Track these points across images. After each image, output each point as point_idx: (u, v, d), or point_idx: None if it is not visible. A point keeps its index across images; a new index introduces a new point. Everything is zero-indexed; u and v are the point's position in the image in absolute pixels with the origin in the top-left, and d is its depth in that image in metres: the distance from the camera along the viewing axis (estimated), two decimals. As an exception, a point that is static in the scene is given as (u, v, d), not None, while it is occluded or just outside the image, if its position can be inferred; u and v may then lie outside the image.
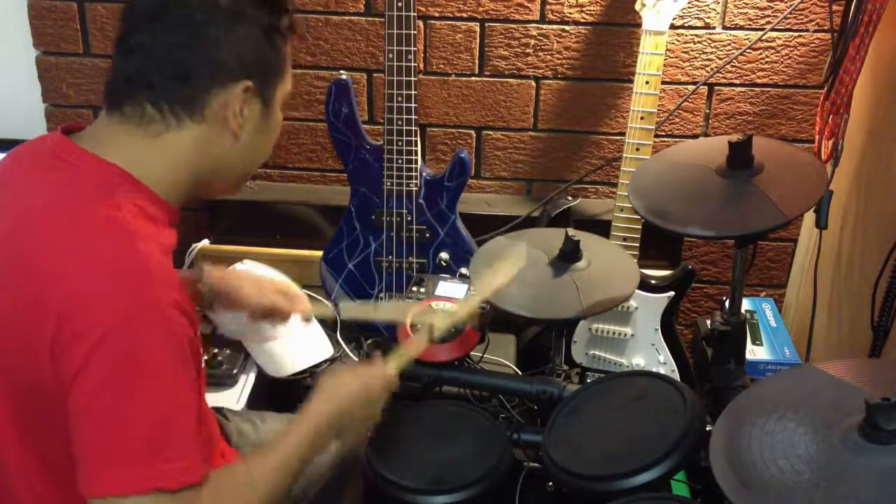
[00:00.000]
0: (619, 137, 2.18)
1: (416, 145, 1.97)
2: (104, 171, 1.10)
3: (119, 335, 0.99)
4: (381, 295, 2.10)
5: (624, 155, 1.95)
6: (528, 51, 2.14)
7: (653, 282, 2.02)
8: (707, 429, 1.28)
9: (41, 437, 1.08)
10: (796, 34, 2.07)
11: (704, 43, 2.10)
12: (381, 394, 1.32)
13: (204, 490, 1.03)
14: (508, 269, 1.50)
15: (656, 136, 2.05)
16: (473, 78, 2.18)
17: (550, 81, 2.17)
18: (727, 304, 1.56)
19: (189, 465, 1.02)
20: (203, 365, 1.22)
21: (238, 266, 2.04)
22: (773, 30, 2.05)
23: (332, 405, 1.24)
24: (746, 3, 2.04)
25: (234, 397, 1.87)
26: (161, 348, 1.02)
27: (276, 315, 1.59)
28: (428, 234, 2.05)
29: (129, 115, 1.11)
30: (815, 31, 2.06)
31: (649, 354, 2.05)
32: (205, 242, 2.27)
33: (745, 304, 2.12)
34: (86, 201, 1.07)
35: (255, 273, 1.61)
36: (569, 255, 1.54)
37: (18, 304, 1.04)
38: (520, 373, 2.00)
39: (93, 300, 1.00)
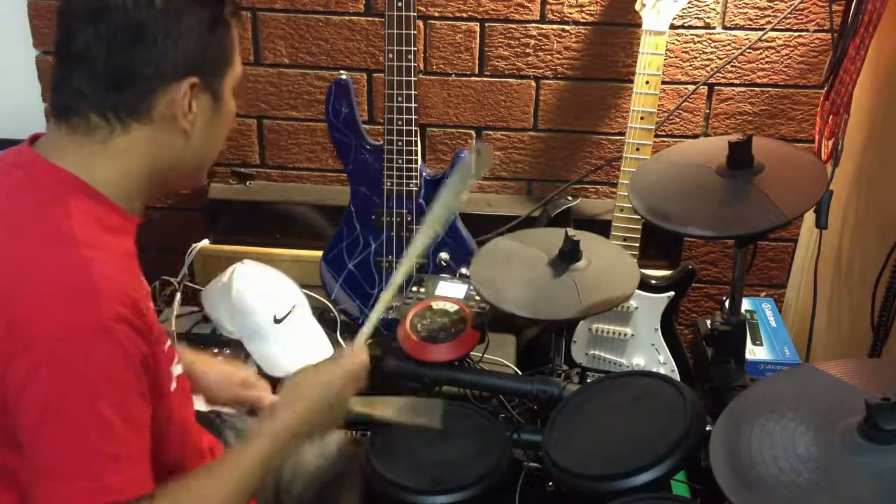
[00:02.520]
0: (619, 137, 2.18)
1: (416, 145, 1.97)
2: (55, 177, 1.08)
3: (62, 351, 0.98)
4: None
5: (624, 155, 1.95)
6: (528, 51, 2.14)
7: (653, 282, 2.02)
8: (707, 429, 1.28)
9: None
10: (796, 34, 2.07)
11: (704, 43, 2.10)
12: (347, 388, 1.29)
13: (157, 501, 1.03)
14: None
15: (656, 136, 2.05)
16: (473, 78, 2.18)
17: (550, 81, 2.17)
18: (727, 304, 1.55)
19: (138, 476, 1.02)
20: (178, 366, 1.20)
21: (238, 266, 2.04)
22: (773, 30, 2.05)
23: (294, 411, 1.22)
24: (746, 3, 2.04)
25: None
26: (105, 364, 1.01)
27: (241, 405, 1.54)
28: (428, 234, 2.05)
29: (75, 125, 1.09)
30: (815, 31, 2.06)
31: (649, 354, 2.05)
32: (205, 242, 2.27)
33: (745, 304, 2.12)
34: (35, 210, 1.06)
35: (222, 366, 1.56)
36: (569, 255, 1.54)
37: None
38: (520, 373, 2.00)
39: (37, 315, 0.99)
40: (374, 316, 1.40)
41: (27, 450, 1.01)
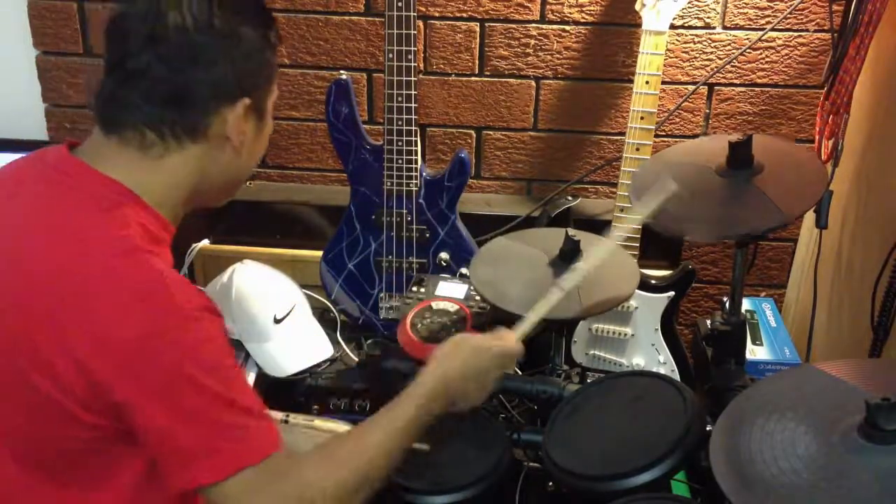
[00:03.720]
0: (619, 137, 2.18)
1: (416, 145, 1.97)
2: (108, 188, 1.10)
3: (159, 346, 1.01)
4: (382, 295, 2.11)
5: (624, 155, 1.95)
6: (528, 51, 2.14)
7: (653, 282, 2.02)
8: (707, 429, 1.28)
9: (40, 453, 1.10)
10: (796, 34, 2.07)
11: (704, 43, 2.10)
12: (494, 363, 1.34)
13: (287, 455, 1.07)
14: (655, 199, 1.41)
15: (656, 136, 2.05)
16: (473, 78, 2.18)
17: (550, 81, 2.17)
18: (727, 304, 1.55)
19: (263, 436, 1.06)
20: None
21: (238, 266, 2.04)
22: (773, 30, 2.05)
23: (442, 375, 1.27)
24: (746, 3, 2.04)
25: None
26: (203, 346, 1.04)
27: None
28: (428, 235, 2.05)
29: (128, 139, 1.11)
30: (815, 31, 2.06)
31: (649, 354, 2.05)
32: (205, 242, 2.27)
33: (745, 304, 2.12)
34: (94, 220, 1.07)
35: None
36: (569, 255, 1.54)
37: (20, 328, 1.04)
38: (520, 373, 2.00)
39: (120, 320, 1.01)
40: (538, 312, 1.42)
41: (154, 440, 1.04)
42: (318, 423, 1.49)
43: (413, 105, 1.93)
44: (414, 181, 2.00)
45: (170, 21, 1.08)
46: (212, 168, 1.16)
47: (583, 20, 2.10)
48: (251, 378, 1.93)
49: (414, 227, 2.04)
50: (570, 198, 2.18)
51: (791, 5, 2.02)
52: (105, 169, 1.10)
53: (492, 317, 1.64)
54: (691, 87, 2.13)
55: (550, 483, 1.45)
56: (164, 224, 1.14)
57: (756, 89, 2.14)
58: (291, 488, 1.07)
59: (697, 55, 2.11)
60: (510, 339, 1.38)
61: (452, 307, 1.70)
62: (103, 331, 1.01)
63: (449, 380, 1.28)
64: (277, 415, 1.52)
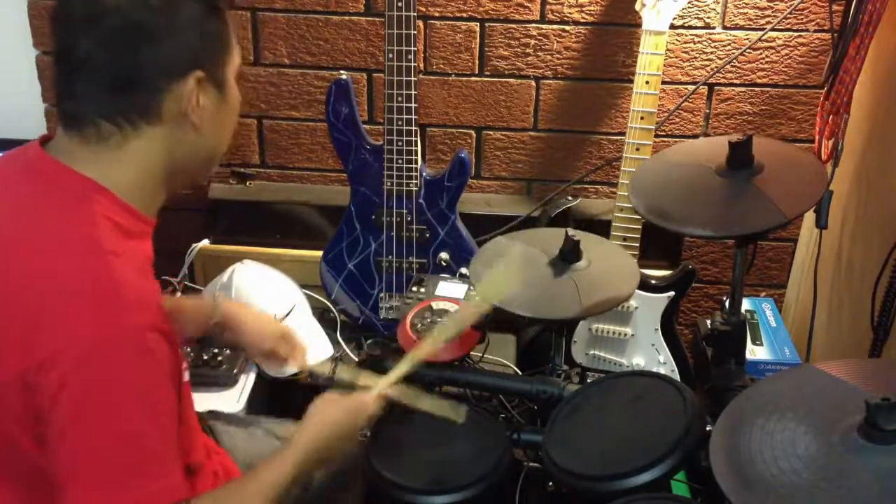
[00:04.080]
0: (619, 137, 2.18)
1: (416, 145, 1.97)
2: (78, 183, 1.07)
3: (93, 361, 0.98)
4: (382, 295, 2.11)
5: (624, 155, 1.95)
6: (528, 51, 2.14)
7: (653, 282, 2.02)
8: (707, 429, 1.28)
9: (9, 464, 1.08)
10: (796, 34, 2.07)
11: (704, 43, 2.10)
12: (363, 422, 1.34)
13: None
14: (507, 276, 1.49)
15: (656, 136, 2.05)
16: (473, 78, 2.18)
17: (550, 81, 2.17)
18: (727, 304, 1.55)
19: (169, 484, 1.02)
20: (186, 373, 1.20)
21: (238, 266, 2.04)
22: (773, 30, 2.05)
23: (319, 434, 1.26)
24: (746, 3, 2.05)
25: (234, 397, 1.87)
26: (136, 373, 1.01)
27: (274, 358, 1.58)
28: (428, 234, 2.05)
29: (86, 133, 1.08)
30: (815, 31, 2.06)
31: (649, 354, 2.05)
32: (205, 242, 2.27)
33: (745, 304, 2.12)
34: (59, 218, 1.05)
35: (262, 314, 1.59)
36: (569, 255, 1.54)
37: None
38: (520, 373, 2.00)
39: (65, 324, 0.99)
40: (392, 376, 1.42)
41: (56, 454, 1.00)
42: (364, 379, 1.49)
43: (413, 105, 1.93)
44: (414, 181, 2.00)
45: (106, 2, 1.03)
46: (178, 148, 1.12)
47: (583, 20, 2.10)
48: (251, 378, 1.93)
49: (414, 227, 2.04)
50: (570, 198, 2.19)
51: (791, 5, 2.03)
52: (73, 164, 1.08)
53: (492, 317, 1.64)
54: (691, 87, 2.13)
55: (550, 483, 1.45)
56: (138, 216, 1.11)
57: (756, 89, 2.14)
58: None
59: (697, 55, 2.11)
60: (369, 397, 1.36)
61: (452, 307, 1.70)
62: (45, 327, 0.99)
63: (323, 440, 1.26)
64: (324, 369, 1.52)
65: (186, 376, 1.20)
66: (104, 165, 1.09)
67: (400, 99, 1.92)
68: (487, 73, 2.17)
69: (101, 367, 0.99)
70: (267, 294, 2.00)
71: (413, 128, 1.95)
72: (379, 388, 1.39)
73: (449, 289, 1.83)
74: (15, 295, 1.01)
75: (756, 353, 1.98)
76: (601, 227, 2.02)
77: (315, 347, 2.02)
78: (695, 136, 2.19)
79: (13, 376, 0.99)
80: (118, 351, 1.00)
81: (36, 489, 1.06)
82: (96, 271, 1.02)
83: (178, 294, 2.18)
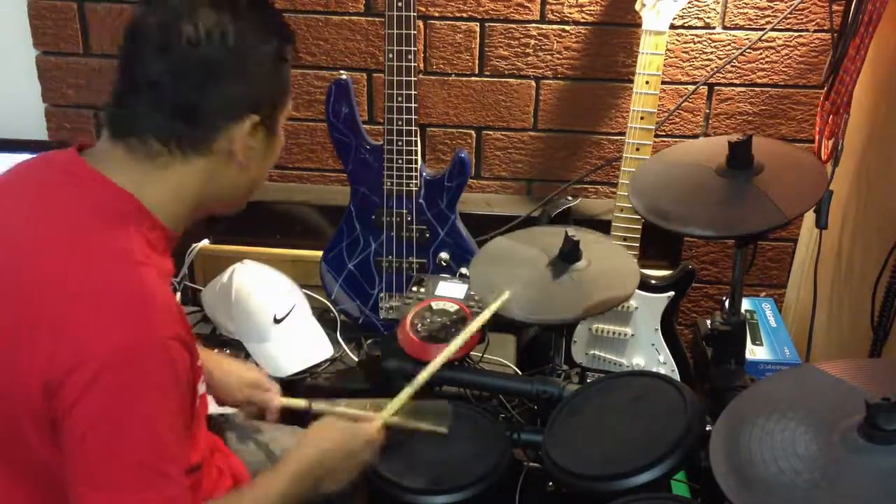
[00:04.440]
0: (619, 137, 2.18)
1: (416, 145, 1.97)
2: (117, 196, 1.09)
3: (119, 367, 0.99)
4: (382, 295, 2.11)
5: (624, 155, 1.95)
6: (528, 51, 2.14)
7: (653, 282, 2.02)
8: (707, 429, 1.28)
9: (19, 462, 1.08)
10: (796, 34, 2.07)
11: (704, 43, 2.10)
12: (363, 450, 1.34)
13: None
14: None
15: (656, 136, 2.05)
16: (473, 78, 2.18)
17: (550, 81, 2.17)
18: (727, 304, 1.56)
19: (178, 494, 1.03)
20: (202, 385, 1.20)
21: (238, 266, 2.04)
22: (773, 30, 2.05)
23: (315, 453, 1.27)
24: (746, 3, 2.04)
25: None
26: (157, 382, 1.02)
27: (248, 408, 1.55)
28: (428, 234, 2.05)
29: (134, 146, 1.09)
30: (815, 31, 2.06)
31: (649, 354, 2.05)
32: (205, 242, 2.27)
33: (745, 304, 2.12)
34: (93, 227, 1.06)
35: (234, 366, 1.57)
36: (569, 255, 1.54)
37: (7, 322, 1.03)
38: (520, 373, 2.00)
39: (92, 330, 1.00)
40: (396, 403, 1.43)
41: (73, 457, 1.01)
42: (342, 408, 1.48)
43: (413, 105, 1.93)
44: (414, 181, 2.00)
45: (183, 33, 1.05)
46: (218, 181, 1.14)
47: (583, 20, 2.10)
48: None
49: (414, 227, 2.04)
50: (570, 198, 2.19)
51: (791, 5, 2.02)
52: (113, 176, 1.09)
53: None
54: (691, 87, 2.13)
55: (550, 483, 1.45)
56: (166, 232, 1.13)
57: (756, 89, 2.14)
58: None
59: (697, 55, 2.11)
60: (374, 427, 1.37)
61: (452, 307, 1.70)
62: (75, 333, 0.99)
63: (323, 459, 1.27)
64: (300, 402, 1.51)
65: (202, 388, 1.20)
66: (143, 180, 1.10)
67: (400, 99, 1.92)
68: (487, 73, 2.17)
69: (126, 373, 1.00)
70: (267, 294, 2.00)
71: (413, 128, 1.95)
72: (382, 417, 1.40)
73: (449, 289, 1.83)
74: (44, 297, 1.02)
75: (756, 353, 1.98)
76: (601, 227, 2.02)
77: (315, 347, 2.02)
78: (695, 136, 2.19)
79: (36, 377, 1.00)
80: (144, 359, 1.01)
81: (49, 489, 1.06)
82: (127, 280, 1.03)
83: (178, 294, 2.19)
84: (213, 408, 1.49)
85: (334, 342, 2.06)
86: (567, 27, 2.11)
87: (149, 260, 1.06)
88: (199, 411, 1.19)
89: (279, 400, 1.53)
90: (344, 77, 1.99)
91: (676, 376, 2.00)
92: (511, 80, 2.18)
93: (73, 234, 1.06)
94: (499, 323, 1.56)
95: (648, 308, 2.02)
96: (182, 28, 1.05)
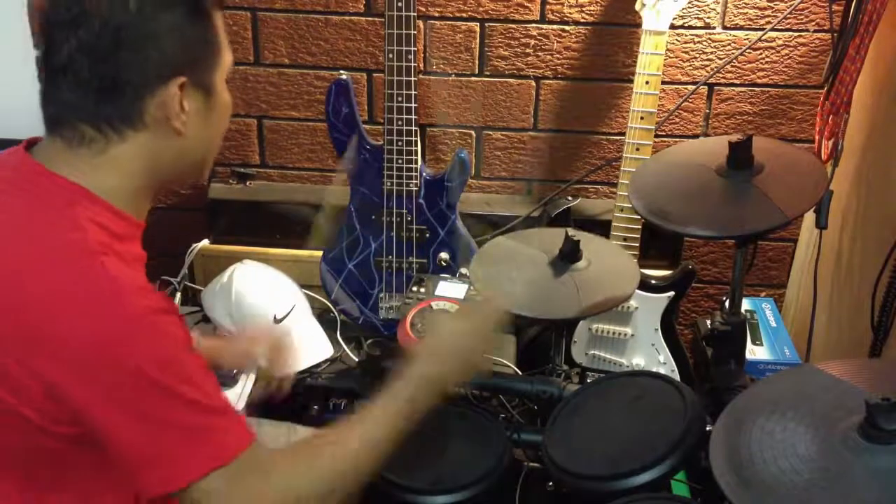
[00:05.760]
0: (619, 137, 2.18)
1: (416, 145, 1.97)
2: (61, 188, 1.07)
3: (110, 356, 0.99)
4: (382, 295, 2.11)
5: (624, 155, 1.95)
6: (528, 51, 2.14)
7: (653, 282, 2.02)
8: (707, 429, 1.28)
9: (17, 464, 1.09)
10: (796, 34, 2.07)
11: (704, 43, 2.10)
12: (485, 333, 1.32)
13: (259, 451, 1.05)
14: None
15: (656, 136, 2.05)
16: (473, 78, 2.18)
17: (550, 81, 2.17)
18: (727, 304, 1.55)
19: (232, 435, 1.04)
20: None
21: (238, 266, 2.04)
22: (773, 30, 2.05)
23: (434, 357, 1.25)
24: (746, 3, 2.04)
25: (234, 397, 1.86)
26: (156, 351, 1.01)
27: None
28: (428, 234, 2.05)
29: (69, 138, 1.07)
30: (815, 31, 2.06)
31: (649, 354, 2.05)
32: (205, 242, 2.27)
33: (745, 304, 2.12)
34: (46, 225, 1.05)
35: (237, 342, 1.56)
36: (569, 255, 1.54)
37: None
38: (520, 373, 2.00)
39: (66, 332, 0.99)
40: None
41: (120, 448, 1.02)
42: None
43: (413, 105, 1.93)
44: (414, 181, 2.00)
45: (86, 8, 1.02)
46: (164, 153, 1.11)
47: (583, 20, 2.10)
48: (251, 378, 1.93)
49: (414, 227, 2.04)
50: (570, 198, 2.19)
51: (791, 5, 2.02)
52: (58, 169, 1.07)
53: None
54: (691, 87, 2.13)
55: (550, 483, 1.45)
56: (126, 219, 1.10)
57: (756, 89, 2.14)
58: (267, 486, 1.05)
59: (697, 55, 2.11)
60: (493, 304, 1.35)
61: (452, 307, 1.70)
62: (58, 340, 0.99)
63: (441, 370, 1.25)
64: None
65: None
66: (88, 169, 1.08)
67: (400, 99, 1.92)
68: (487, 73, 2.17)
69: (121, 359, 0.99)
70: (267, 294, 2.00)
71: (413, 128, 1.95)
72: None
73: (449, 289, 1.83)
74: (11, 309, 1.01)
75: (756, 353, 1.98)
76: (601, 227, 2.03)
77: (315, 347, 2.02)
78: (695, 136, 2.19)
79: (36, 385, 1.00)
80: (131, 338, 1.00)
81: (34, 478, 1.07)
82: (86, 273, 1.01)
83: (178, 294, 2.19)
84: None
85: (334, 342, 2.06)
86: (567, 27, 2.11)
87: (108, 249, 1.04)
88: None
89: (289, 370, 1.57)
90: (344, 77, 1.99)
91: (676, 376, 2.00)
92: (511, 80, 2.18)
93: (26, 237, 1.04)
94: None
95: (648, 308, 2.02)
96: (85, 4, 1.03)
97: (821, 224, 1.50)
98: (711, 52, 2.10)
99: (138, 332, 1.01)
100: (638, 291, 1.94)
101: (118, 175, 1.09)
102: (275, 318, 1.97)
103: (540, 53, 2.14)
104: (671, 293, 2.01)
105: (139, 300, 1.02)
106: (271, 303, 1.99)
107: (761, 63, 2.11)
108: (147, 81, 1.06)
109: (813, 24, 2.05)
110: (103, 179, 1.08)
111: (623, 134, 2.00)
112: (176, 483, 1.01)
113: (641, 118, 1.91)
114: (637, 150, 1.93)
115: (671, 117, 2.16)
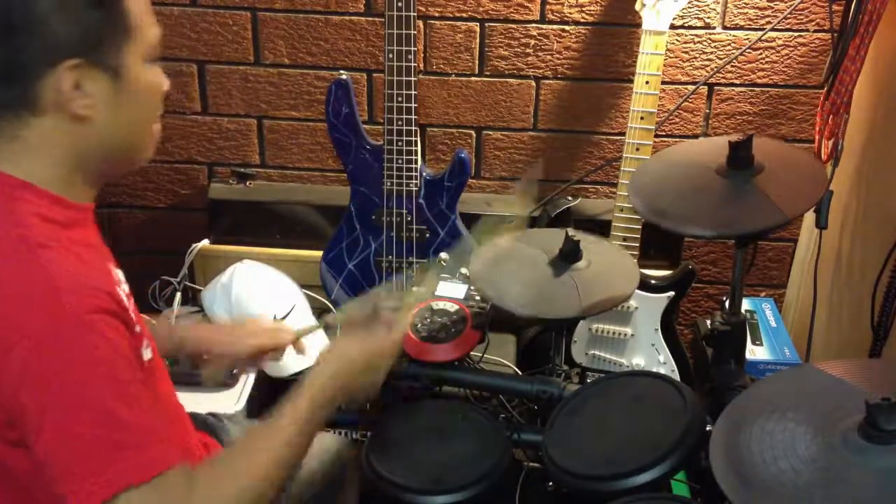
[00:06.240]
0: (619, 137, 2.18)
1: (416, 145, 1.97)
2: (2, 183, 1.05)
3: (44, 355, 0.97)
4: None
5: (624, 155, 1.95)
6: (528, 51, 2.14)
7: (653, 282, 2.02)
8: (707, 429, 1.28)
9: None
10: (796, 34, 2.07)
11: (704, 43, 2.10)
12: (383, 360, 1.30)
13: (182, 473, 1.01)
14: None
15: (656, 136, 2.05)
16: (473, 78, 2.18)
17: (550, 81, 2.17)
18: (727, 304, 1.55)
19: (154, 454, 1.00)
20: (148, 350, 1.16)
21: (238, 266, 2.04)
22: (773, 30, 2.05)
23: (331, 375, 1.23)
24: (746, 3, 2.05)
25: (234, 397, 1.87)
26: (89, 355, 0.99)
27: (264, 355, 1.54)
28: (428, 234, 2.05)
29: None
30: (815, 31, 2.06)
31: (649, 354, 2.05)
32: (205, 242, 2.27)
33: (745, 304, 2.12)
34: None
35: (231, 325, 1.53)
36: (569, 255, 1.54)
37: None
38: (520, 373, 2.00)
39: (5, 326, 0.97)
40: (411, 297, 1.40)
41: (39, 452, 0.99)
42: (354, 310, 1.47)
43: (413, 105, 1.93)
44: (414, 181, 2.00)
45: None
46: (83, 139, 1.07)
47: (583, 20, 2.10)
48: (251, 378, 1.93)
49: (414, 226, 2.04)
50: (570, 198, 2.19)
51: (791, 5, 2.03)
52: None
53: (492, 316, 1.64)
54: (691, 87, 2.13)
55: (550, 483, 1.45)
56: (68, 205, 1.08)
57: (756, 89, 2.14)
58: None
59: (697, 55, 2.11)
60: (391, 335, 1.33)
61: (452, 307, 1.70)
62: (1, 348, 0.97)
63: (340, 377, 1.24)
64: (313, 325, 1.54)
65: (148, 354, 1.15)
66: (10, 157, 1.05)
67: (400, 99, 1.92)
68: (487, 73, 2.17)
69: (53, 358, 0.97)
70: (267, 294, 2.00)
71: (413, 128, 1.95)
72: (403, 320, 1.37)
73: (449, 289, 1.83)
74: None
75: (756, 353, 1.98)
76: (601, 227, 2.03)
77: (315, 347, 2.02)
78: (695, 136, 2.19)
79: None
80: (65, 338, 0.98)
81: (18, 490, 1.06)
82: (27, 268, 1.00)
83: (178, 294, 2.18)
84: (199, 407, 1.50)
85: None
86: (567, 27, 2.11)
87: (49, 239, 1.02)
88: (153, 379, 1.15)
89: (290, 335, 1.54)
90: (344, 77, 1.99)
91: (676, 376, 2.00)
92: (511, 80, 2.18)
93: None
94: (499, 323, 1.56)
95: (648, 308, 2.02)
96: None
97: (821, 224, 1.50)
98: (711, 52, 2.10)
99: (71, 331, 0.98)
100: (638, 291, 1.94)
101: (42, 161, 1.06)
102: (275, 318, 1.97)
103: (540, 53, 2.14)
104: (671, 293, 2.01)
105: (77, 299, 0.99)
106: (271, 303, 1.99)
107: (761, 63, 2.11)
108: (37, 64, 1.02)
109: (813, 24, 2.05)
110: (30, 166, 1.06)
111: (623, 134, 2.00)
112: (91, 497, 0.96)
113: (641, 118, 1.91)
114: (637, 150, 1.93)
115: (671, 117, 2.16)
